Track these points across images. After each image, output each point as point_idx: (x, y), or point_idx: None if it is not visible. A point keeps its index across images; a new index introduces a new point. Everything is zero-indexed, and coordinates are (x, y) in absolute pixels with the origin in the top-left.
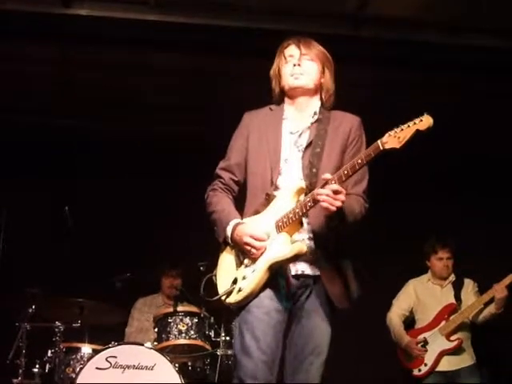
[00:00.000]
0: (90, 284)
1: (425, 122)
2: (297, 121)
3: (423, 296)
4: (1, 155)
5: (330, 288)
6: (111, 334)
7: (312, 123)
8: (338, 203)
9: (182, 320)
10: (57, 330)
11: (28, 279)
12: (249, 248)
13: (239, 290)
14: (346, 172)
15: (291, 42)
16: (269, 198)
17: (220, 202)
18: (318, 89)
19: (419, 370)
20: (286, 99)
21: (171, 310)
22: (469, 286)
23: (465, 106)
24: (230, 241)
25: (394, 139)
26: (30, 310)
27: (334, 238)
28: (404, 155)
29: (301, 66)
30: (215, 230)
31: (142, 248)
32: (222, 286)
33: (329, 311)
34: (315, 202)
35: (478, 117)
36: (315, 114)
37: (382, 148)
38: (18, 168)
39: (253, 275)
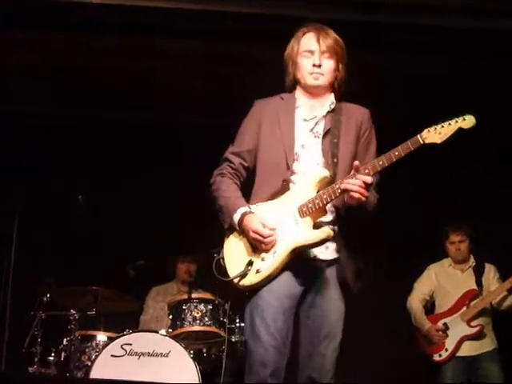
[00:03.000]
0: (104, 272)
1: (468, 121)
2: (310, 109)
3: (444, 281)
4: (13, 146)
5: (346, 271)
6: (126, 321)
7: (328, 112)
8: (368, 194)
9: (196, 307)
10: (72, 318)
11: (42, 268)
12: (258, 243)
13: (257, 272)
14: (381, 163)
15: (307, 31)
16: (286, 184)
17: (228, 188)
18: (332, 84)
19: (440, 355)
20: (299, 88)
21: (186, 296)
22: (490, 271)
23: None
24: (237, 227)
25: (434, 135)
26: (45, 299)
27: (352, 226)
28: None
29: (321, 67)
30: (220, 215)
31: (156, 236)
32: (234, 269)
33: (341, 292)
34: (345, 190)
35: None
36: (332, 103)
37: (422, 142)
38: (32, 158)
39: (274, 257)
